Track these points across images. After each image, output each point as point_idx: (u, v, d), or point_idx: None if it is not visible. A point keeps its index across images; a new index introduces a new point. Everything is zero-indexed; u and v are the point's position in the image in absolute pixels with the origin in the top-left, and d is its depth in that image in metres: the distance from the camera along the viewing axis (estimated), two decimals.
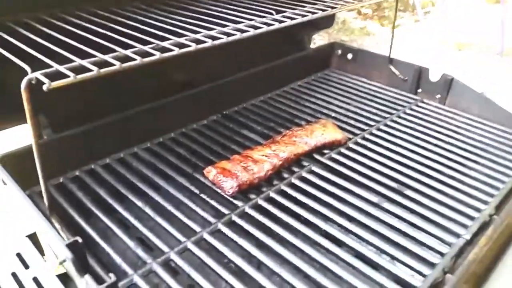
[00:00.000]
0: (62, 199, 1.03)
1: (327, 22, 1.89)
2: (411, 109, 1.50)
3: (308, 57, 1.83)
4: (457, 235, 0.95)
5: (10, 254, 0.96)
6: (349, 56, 1.80)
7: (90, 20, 1.03)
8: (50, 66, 0.77)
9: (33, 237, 1.03)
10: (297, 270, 0.87)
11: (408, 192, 1.08)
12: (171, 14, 1.09)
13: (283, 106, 1.52)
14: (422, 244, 0.94)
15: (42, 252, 1.00)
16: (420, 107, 1.52)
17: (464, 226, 0.97)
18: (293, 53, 1.77)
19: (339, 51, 1.84)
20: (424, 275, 0.85)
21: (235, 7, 1.15)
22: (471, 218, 1.00)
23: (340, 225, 0.99)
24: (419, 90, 1.62)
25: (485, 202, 1.05)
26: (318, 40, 1.91)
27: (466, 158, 1.23)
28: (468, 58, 3.88)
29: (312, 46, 1.92)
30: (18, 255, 0.96)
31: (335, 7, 1.20)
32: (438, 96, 1.56)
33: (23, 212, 0.94)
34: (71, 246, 0.74)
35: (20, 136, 1.17)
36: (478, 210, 1.02)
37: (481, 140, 1.31)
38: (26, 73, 0.75)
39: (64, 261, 0.77)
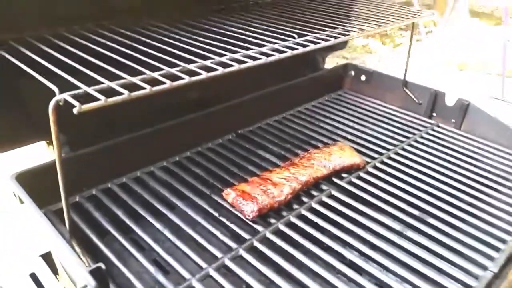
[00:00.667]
0: (78, 218, 1.00)
1: (342, 44, 1.90)
2: (428, 134, 1.49)
3: (322, 77, 1.82)
4: (484, 267, 0.92)
5: (24, 275, 0.93)
6: (363, 77, 1.80)
7: (110, 37, 1.02)
8: (75, 85, 0.75)
9: (46, 256, 1.01)
10: None
11: (431, 220, 1.05)
12: (192, 35, 1.08)
13: (298, 127, 1.51)
14: (447, 275, 0.92)
15: (55, 271, 0.98)
16: (437, 131, 1.51)
17: (490, 257, 0.95)
18: (307, 74, 1.77)
19: (352, 72, 1.83)
20: None
21: (255, 29, 1.14)
22: (497, 249, 0.98)
23: (361, 252, 0.97)
24: (434, 114, 1.61)
25: (509, 233, 1.03)
26: None
27: (486, 185, 1.21)
28: (469, 79, 3.90)
29: None
30: (32, 275, 0.94)
31: (356, 31, 1.19)
32: (453, 120, 1.55)
33: (41, 233, 0.92)
34: (94, 273, 0.72)
35: (23, 153, 1.16)
36: (503, 241, 1.00)
37: (500, 167, 1.30)
38: (46, 91, 0.74)
39: (85, 286, 0.75)
